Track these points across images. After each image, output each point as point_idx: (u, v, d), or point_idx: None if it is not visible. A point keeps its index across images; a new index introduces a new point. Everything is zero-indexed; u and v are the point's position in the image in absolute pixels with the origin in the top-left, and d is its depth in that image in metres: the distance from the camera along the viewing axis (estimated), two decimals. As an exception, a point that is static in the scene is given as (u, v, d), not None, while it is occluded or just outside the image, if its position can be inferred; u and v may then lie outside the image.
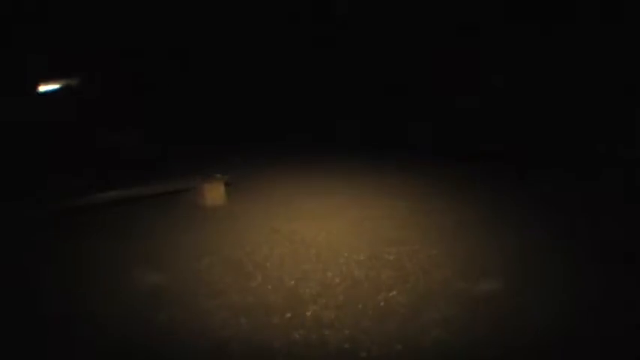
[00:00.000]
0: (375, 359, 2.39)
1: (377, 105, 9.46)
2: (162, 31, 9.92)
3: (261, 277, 3.28)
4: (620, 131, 7.01)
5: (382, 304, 2.90)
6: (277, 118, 9.91)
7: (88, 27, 9.14)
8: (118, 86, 9.27)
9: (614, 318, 2.74)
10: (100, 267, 3.53)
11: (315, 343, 2.52)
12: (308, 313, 2.81)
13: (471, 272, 3.33)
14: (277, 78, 10.34)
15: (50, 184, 5.16)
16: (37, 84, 8.44)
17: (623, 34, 7.18)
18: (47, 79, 8.57)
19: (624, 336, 2.57)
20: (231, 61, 10.40)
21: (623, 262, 3.50)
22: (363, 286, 3.13)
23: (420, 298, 2.97)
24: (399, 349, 2.46)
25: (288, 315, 2.80)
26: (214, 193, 5.00)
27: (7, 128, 6.99)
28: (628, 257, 3.57)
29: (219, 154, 7.49)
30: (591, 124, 7.26)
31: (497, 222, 4.44)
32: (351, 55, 9.98)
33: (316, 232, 4.20)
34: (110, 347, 2.54)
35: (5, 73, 7.79)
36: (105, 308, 2.93)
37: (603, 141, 7.13)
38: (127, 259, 3.68)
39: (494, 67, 8.39)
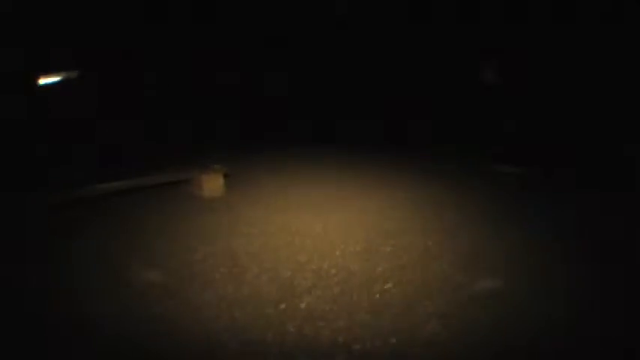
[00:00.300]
0: (368, 352, 2.36)
1: (377, 103, 9.42)
2: (163, 25, 9.90)
3: (256, 269, 3.25)
4: (624, 129, 6.95)
5: (377, 296, 2.86)
6: (279, 115, 9.88)
7: (90, 20, 9.10)
8: (119, 79, 9.25)
9: (614, 318, 2.70)
10: (97, 258, 3.49)
11: (309, 335, 2.48)
12: (302, 305, 2.78)
13: (469, 266, 3.29)
14: (278, 74, 10.32)
15: (49, 176, 5.13)
16: (37, 77, 8.42)
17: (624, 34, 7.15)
18: (47, 72, 8.55)
19: (624, 336, 2.53)
20: (232, 57, 10.38)
21: (624, 262, 3.46)
22: (359, 279, 3.10)
23: (416, 291, 2.94)
24: (393, 342, 2.42)
25: (282, 306, 2.76)
26: (212, 184, 4.95)
27: (6, 121, 6.98)
28: (629, 257, 3.53)
29: (219, 145, 7.45)
30: (594, 122, 7.21)
31: (497, 218, 4.39)
32: (351, 54, 9.97)
33: (313, 223, 4.16)
34: (106, 338, 2.52)
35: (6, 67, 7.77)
36: (100, 300, 2.90)
37: (607, 139, 7.08)
38: (124, 250, 3.64)
39: (493, 65, 8.35)
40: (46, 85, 8.52)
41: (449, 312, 2.70)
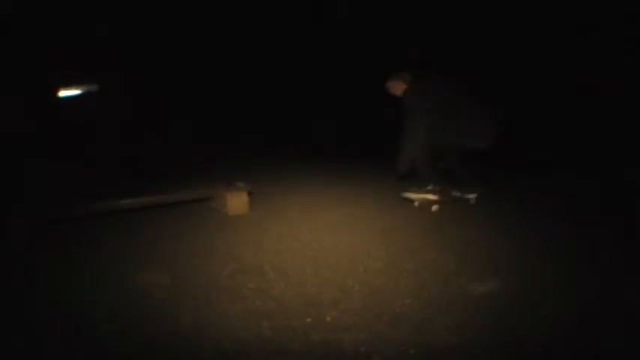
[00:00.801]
0: (388, 360, 2.72)
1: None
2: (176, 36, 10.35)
3: (282, 284, 3.61)
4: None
5: (398, 310, 3.21)
6: (298, 125, 10.23)
7: (109, 33, 9.59)
8: (137, 93, 9.69)
9: (620, 325, 3.03)
10: (124, 272, 3.88)
11: (333, 345, 2.83)
12: (327, 318, 3.13)
13: (487, 280, 3.63)
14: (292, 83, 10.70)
15: (71, 190, 5.50)
16: (57, 89, 8.85)
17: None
18: (67, 84, 8.98)
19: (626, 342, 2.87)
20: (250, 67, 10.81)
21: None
22: (381, 294, 3.45)
23: (435, 304, 3.27)
24: (411, 352, 2.77)
25: (309, 319, 3.11)
26: (237, 201, 5.34)
27: (28, 135, 7.39)
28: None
29: (241, 160, 7.82)
30: (592, 125, 7.57)
31: (515, 230, 4.78)
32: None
33: (337, 240, 4.54)
34: (135, 350, 2.86)
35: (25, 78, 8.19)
36: (130, 312, 3.26)
37: (605, 140, 7.44)
38: (150, 265, 4.03)
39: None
40: (66, 98, 8.96)
41: (466, 323, 3.03)
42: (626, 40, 8.17)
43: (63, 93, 9.13)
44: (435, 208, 5.50)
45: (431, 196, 5.59)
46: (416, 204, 5.59)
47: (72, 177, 6.19)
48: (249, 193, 5.47)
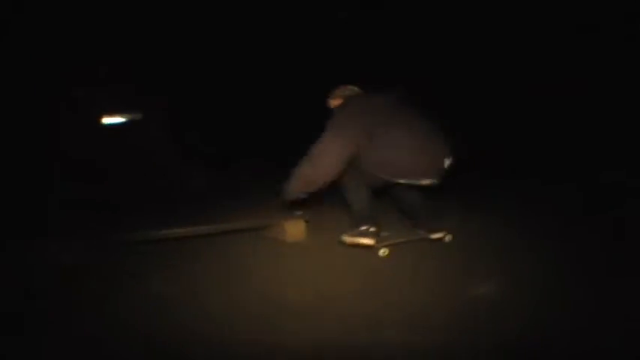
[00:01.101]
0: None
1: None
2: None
3: (345, 306, 4.08)
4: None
5: (449, 328, 3.71)
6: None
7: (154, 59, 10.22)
8: (181, 119, 10.24)
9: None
10: (182, 297, 4.35)
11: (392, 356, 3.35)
12: (387, 336, 3.61)
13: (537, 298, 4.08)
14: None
15: (120, 219, 5.96)
16: (101, 116, 9.42)
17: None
18: (111, 112, 9.55)
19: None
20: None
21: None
22: (435, 314, 3.94)
23: (481, 317, 3.79)
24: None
25: (368, 337, 3.60)
26: (294, 229, 5.77)
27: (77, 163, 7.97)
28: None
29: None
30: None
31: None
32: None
33: (395, 265, 4.97)
34: None
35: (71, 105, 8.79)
36: (194, 333, 3.70)
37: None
38: (212, 286, 4.52)
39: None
40: (111, 126, 9.50)
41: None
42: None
43: (106, 120, 9.53)
44: (382, 252, 5.07)
45: (365, 240, 5.02)
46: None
47: (122, 207, 6.66)
48: (307, 221, 5.89)
